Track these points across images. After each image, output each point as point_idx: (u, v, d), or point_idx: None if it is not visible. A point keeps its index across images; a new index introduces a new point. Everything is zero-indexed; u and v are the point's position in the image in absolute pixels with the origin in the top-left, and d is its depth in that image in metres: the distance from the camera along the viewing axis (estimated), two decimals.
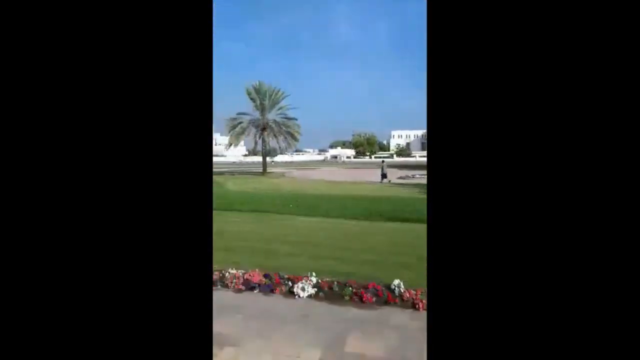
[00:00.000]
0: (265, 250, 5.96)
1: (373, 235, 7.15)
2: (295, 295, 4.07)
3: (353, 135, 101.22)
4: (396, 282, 4.02)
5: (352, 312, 3.72)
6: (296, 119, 29.90)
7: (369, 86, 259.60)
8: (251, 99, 28.76)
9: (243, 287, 4.28)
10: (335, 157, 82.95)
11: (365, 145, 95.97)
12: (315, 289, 4.10)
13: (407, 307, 3.76)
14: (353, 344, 3.07)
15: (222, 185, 18.10)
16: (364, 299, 3.88)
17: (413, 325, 3.40)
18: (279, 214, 9.49)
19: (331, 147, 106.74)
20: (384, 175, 20.74)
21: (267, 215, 9.44)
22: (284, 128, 29.14)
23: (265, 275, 4.42)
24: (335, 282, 4.17)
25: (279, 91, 29.21)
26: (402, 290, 3.92)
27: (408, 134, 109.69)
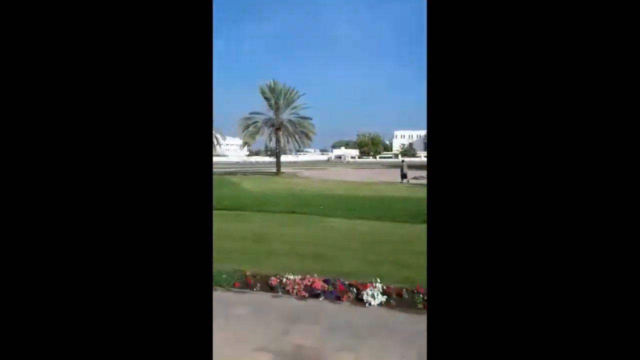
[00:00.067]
0: (313, 253, 5.69)
1: (422, 238, 6.84)
2: (365, 303, 3.88)
3: (358, 135, 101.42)
4: None
5: None
6: (311, 119, 29.66)
7: (369, 86, 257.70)
8: (265, 98, 28.59)
9: (306, 294, 4.08)
10: (340, 157, 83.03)
11: (370, 146, 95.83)
12: (385, 297, 3.92)
13: None
14: None
15: (238, 186, 17.77)
16: None
17: None
18: (313, 215, 9.20)
19: (333, 147, 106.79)
20: (404, 176, 20.41)
21: (305, 217, 9.11)
22: (298, 127, 29.12)
23: (326, 281, 4.20)
24: (404, 289, 4.00)
25: (293, 90, 29.12)
26: None
27: (411, 134, 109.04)
